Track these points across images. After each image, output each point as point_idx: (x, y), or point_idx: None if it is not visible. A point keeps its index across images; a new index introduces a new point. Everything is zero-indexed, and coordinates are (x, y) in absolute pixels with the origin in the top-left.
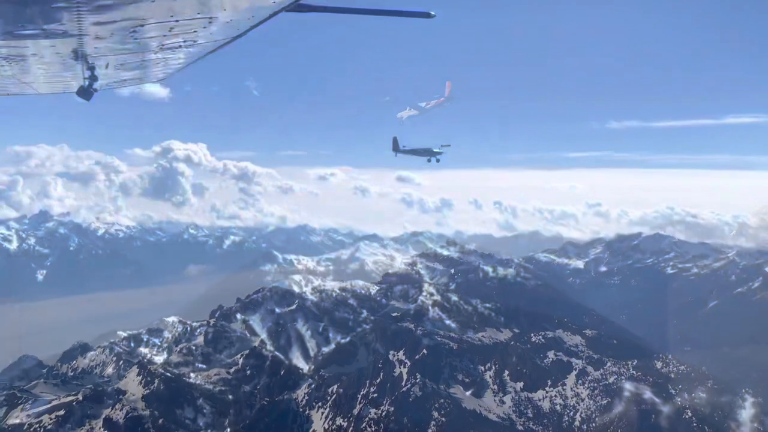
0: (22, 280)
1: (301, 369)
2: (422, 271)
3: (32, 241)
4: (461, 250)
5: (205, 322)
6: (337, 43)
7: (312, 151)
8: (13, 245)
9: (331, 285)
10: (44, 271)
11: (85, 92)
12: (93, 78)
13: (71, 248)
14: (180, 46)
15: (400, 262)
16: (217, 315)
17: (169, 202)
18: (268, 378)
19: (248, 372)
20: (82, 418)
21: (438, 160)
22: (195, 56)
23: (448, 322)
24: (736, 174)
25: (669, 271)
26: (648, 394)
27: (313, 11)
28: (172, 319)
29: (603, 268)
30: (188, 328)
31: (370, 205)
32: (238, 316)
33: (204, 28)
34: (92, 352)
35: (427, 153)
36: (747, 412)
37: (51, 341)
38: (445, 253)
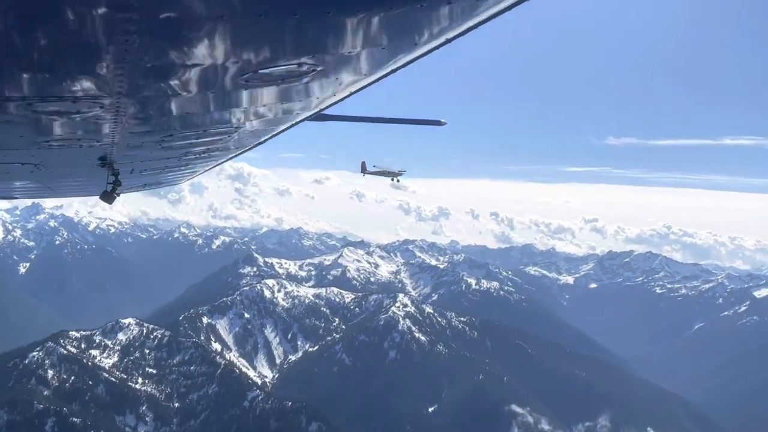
0: (4, 273)
1: (263, 377)
2: (405, 281)
3: (18, 233)
4: (450, 260)
5: (163, 326)
6: None
7: (310, 154)
8: None
9: (305, 291)
10: (27, 264)
11: (109, 197)
12: (117, 183)
13: (57, 242)
14: (203, 153)
15: (384, 270)
16: (181, 318)
17: (165, 199)
18: (217, 387)
19: (198, 380)
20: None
21: (398, 181)
22: (215, 162)
23: (417, 335)
24: (734, 195)
25: (657, 291)
26: None
27: (333, 120)
28: (128, 320)
29: (593, 285)
30: (144, 331)
31: (366, 211)
32: (204, 320)
33: (228, 136)
34: (34, 353)
35: (390, 174)
36: None
37: (9, 337)
38: (433, 263)
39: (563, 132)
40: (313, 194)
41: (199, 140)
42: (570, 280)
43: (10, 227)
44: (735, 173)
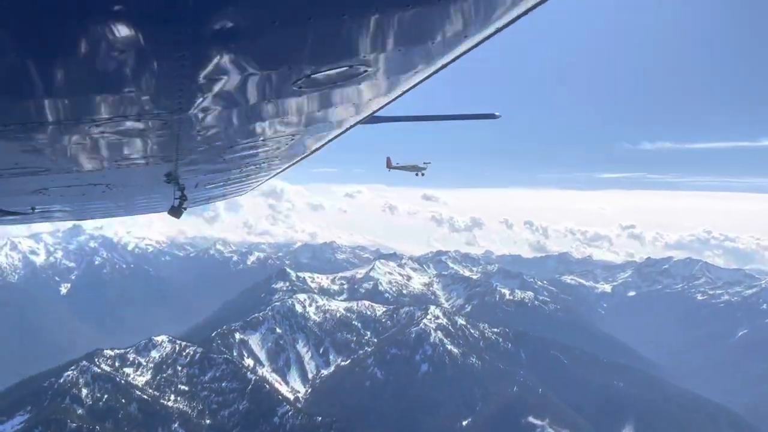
0: (46, 294)
1: (296, 392)
2: (438, 292)
3: (60, 254)
4: (483, 271)
5: (196, 342)
6: None
7: (344, 168)
8: (40, 258)
9: (336, 305)
10: (68, 285)
11: (176, 211)
12: (183, 198)
13: (96, 262)
14: (263, 163)
15: (417, 282)
16: (213, 335)
17: (201, 217)
18: (248, 403)
19: (230, 396)
20: None
21: (423, 174)
22: (276, 171)
23: (450, 347)
24: None
25: (699, 297)
26: None
27: (386, 121)
28: (161, 337)
29: (631, 293)
30: (176, 348)
31: (399, 223)
32: (237, 336)
33: (287, 144)
34: (68, 372)
35: (415, 169)
36: None
37: (49, 357)
38: (466, 273)
39: (597, 138)
40: (346, 208)
41: (258, 150)
42: (608, 288)
43: (52, 249)
44: None
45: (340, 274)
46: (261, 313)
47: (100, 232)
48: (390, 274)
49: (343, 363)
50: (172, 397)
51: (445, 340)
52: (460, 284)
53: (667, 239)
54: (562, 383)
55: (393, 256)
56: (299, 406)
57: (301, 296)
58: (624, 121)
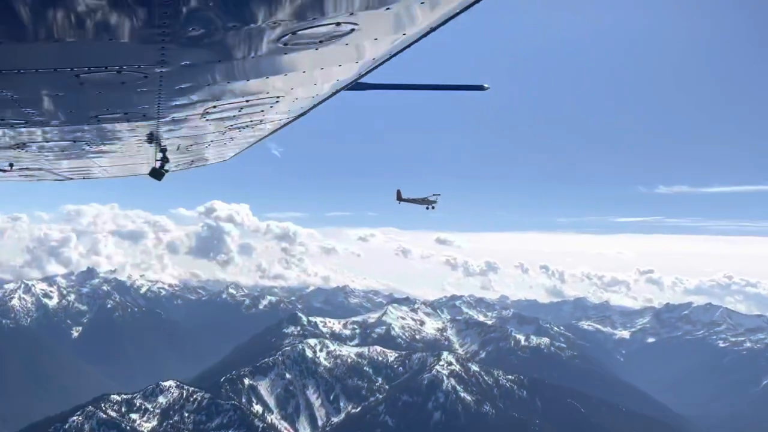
0: (58, 337)
1: None
2: (452, 338)
3: (72, 297)
4: (498, 316)
5: (204, 388)
6: (388, 114)
7: (358, 212)
8: (53, 301)
9: (347, 350)
10: (80, 328)
11: (157, 173)
12: (165, 159)
13: (108, 305)
14: (247, 126)
15: (430, 327)
16: (222, 380)
17: (214, 261)
18: None
19: None
20: None
21: (433, 208)
22: (259, 136)
23: (463, 394)
24: None
25: (720, 344)
26: None
27: (372, 89)
28: (169, 383)
29: (650, 339)
30: (184, 394)
31: (413, 267)
32: (246, 381)
33: (271, 107)
34: (74, 417)
35: (425, 202)
36: None
37: (58, 401)
38: (480, 318)
39: (611, 181)
40: (359, 252)
41: (241, 111)
42: (626, 334)
43: (65, 292)
44: None
45: (353, 319)
46: (271, 358)
47: (113, 276)
48: (403, 318)
49: (353, 410)
50: None
51: (458, 387)
52: (474, 329)
53: (687, 284)
54: None
55: (406, 301)
56: None
57: (312, 341)
58: (638, 164)
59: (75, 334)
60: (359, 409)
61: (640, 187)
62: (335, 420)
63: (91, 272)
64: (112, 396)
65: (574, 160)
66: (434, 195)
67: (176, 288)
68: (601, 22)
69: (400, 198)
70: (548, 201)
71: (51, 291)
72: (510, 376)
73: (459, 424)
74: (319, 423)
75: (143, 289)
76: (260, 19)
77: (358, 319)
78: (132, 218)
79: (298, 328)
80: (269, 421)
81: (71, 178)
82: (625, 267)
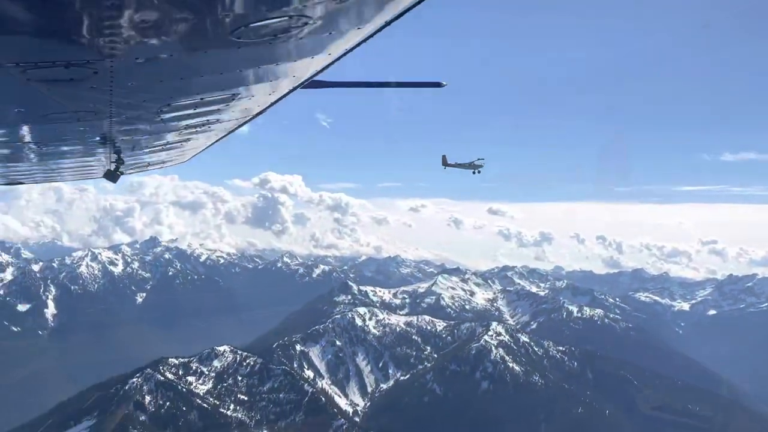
0: (122, 303)
1: (355, 405)
2: (503, 308)
3: (136, 265)
4: (551, 287)
5: (257, 353)
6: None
7: (409, 183)
8: (119, 269)
9: (396, 319)
10: (143, 294)
11: (112, 175)
12: (119, 161)
13: (170, 273)
14: (203, 125)
15: (480, 297)
16: (274, 346)
17: (269, 230)
18: (304, 415)
19: (287, 407)
20: None
21: (479, 172)
22: (215, 137)
23: (511, 364)
24: None
25: None
26: None
27: (327, 87)
28: (224, 348)
29: (711, 312)
30: (237, 359)
31: (465, 238)
32: (298, 347)
33: (227, 105)
34: (134, 379)
35: (471, 166)
36: None
37: (121, 363)
38: (533, 289)
39: (674, 149)
40: (411, 222)
41: (197, 110)
42: (685, 306)
43: (129, 260)
44: None
45: (402, 288)
46: (322, 326)
47: (174, 244)
48: (453, 288)
49: (402, 377)
50: (232, 406)
51: (507, 358)
52: (525, 300)
53: (753, 255)
54: (632, 406)
55: (456, 271)
56: (357, 419)
57: (361, 310)
58: (702, 130)
59: (139, 299)
60: (408, 376)
61: (704, 154)
62: (384, 387)
63: (153, 241)
64: (170, 359)
65: (634, 127)
66: (479, 159)
67: (234, 257)
68: None
69: (445, 163)
70: (606, 170)
71: (116, 259)
72: (561, 348)
73: (507, 394)
74: (369, 389)
75: (203, 258)
76: (211, 10)
77: (408, 288)
78: (191, 189)
79: (349, 297)
80: (320, 386)
81: (21, 183)
82: (687, 237)
